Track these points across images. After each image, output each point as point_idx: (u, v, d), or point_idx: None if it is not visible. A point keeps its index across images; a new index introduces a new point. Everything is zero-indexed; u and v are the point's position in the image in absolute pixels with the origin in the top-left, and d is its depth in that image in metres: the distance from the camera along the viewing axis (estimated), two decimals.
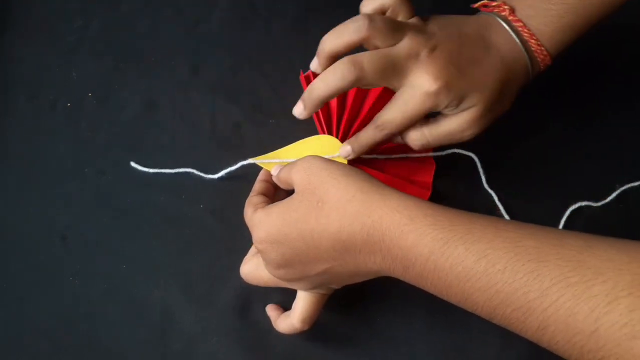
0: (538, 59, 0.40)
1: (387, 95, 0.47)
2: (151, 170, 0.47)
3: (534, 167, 0.48)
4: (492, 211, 0.46)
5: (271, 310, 0.43)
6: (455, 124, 0.39)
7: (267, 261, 0.37)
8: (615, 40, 0.51)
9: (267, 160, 0.44)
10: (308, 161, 0.35)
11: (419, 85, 0.37)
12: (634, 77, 0.50)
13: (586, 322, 0.25)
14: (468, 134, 0.40)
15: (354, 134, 0.46)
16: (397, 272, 0.32)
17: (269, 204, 0.38)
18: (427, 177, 0.46)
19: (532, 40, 0.39)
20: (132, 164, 0.47)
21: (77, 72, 0.50)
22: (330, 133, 0.46)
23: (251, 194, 0.41)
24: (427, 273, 0.30)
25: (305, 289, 0.38)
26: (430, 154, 0.46)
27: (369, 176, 0.34)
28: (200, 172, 0.47)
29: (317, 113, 0.46)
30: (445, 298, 0.31)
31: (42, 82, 0.51)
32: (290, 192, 0.41)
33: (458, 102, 0.38)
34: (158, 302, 0.44)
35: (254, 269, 0.41)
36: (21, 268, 0.45)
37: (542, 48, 0.39)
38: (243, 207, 0.46)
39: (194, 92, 0.50)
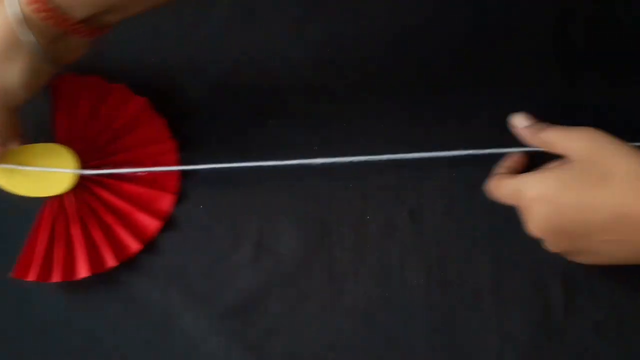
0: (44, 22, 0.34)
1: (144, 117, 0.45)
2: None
3: None
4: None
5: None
6: None
7: (532, 221, 0.36)
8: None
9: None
10: (593, 132, 0.35)
11: None
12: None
13: None
14: None
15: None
16: None
17: None
18: (165, 204, 0.44)
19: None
20: None
21: (77, 72, 0.50)
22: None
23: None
24: None
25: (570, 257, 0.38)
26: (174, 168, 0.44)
27: None
28: (200, 171, 0.47)
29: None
30: None
31: None
32: None
33: None
34: (158, 302, 0.44)
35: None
36: None
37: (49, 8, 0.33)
38: (243, 207, 0.46)
39: (194, 93, 0.50)
